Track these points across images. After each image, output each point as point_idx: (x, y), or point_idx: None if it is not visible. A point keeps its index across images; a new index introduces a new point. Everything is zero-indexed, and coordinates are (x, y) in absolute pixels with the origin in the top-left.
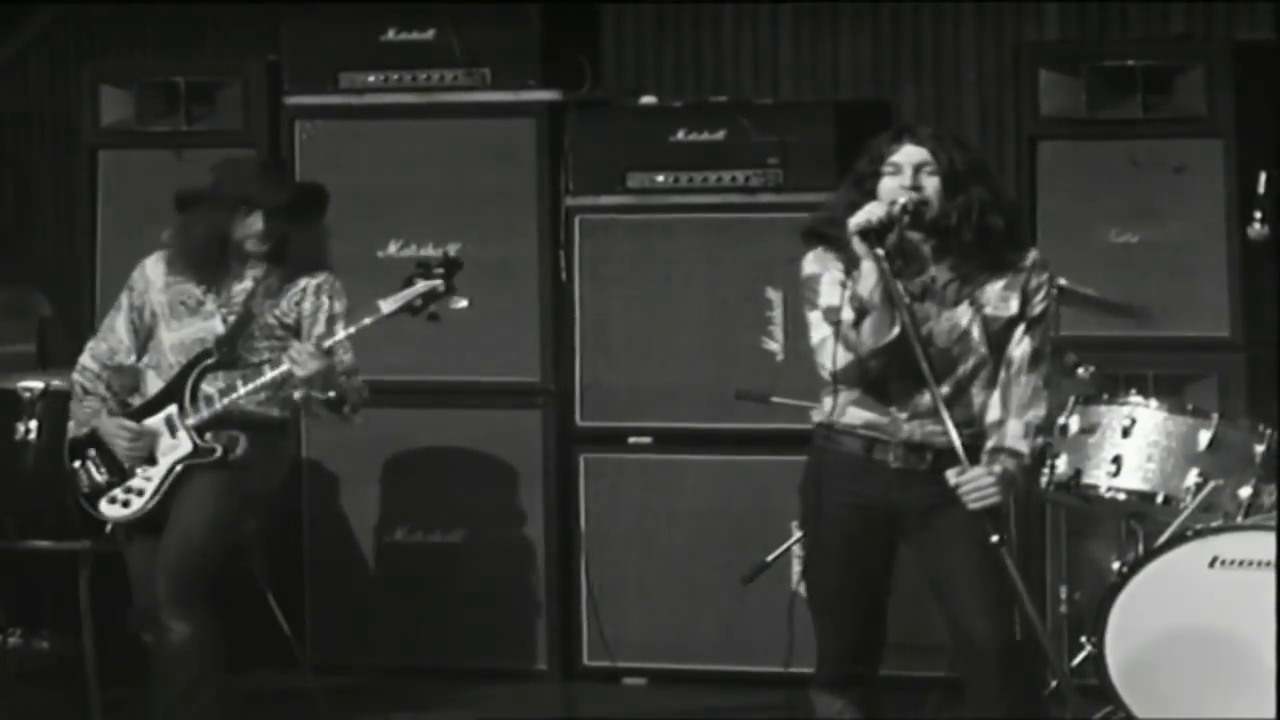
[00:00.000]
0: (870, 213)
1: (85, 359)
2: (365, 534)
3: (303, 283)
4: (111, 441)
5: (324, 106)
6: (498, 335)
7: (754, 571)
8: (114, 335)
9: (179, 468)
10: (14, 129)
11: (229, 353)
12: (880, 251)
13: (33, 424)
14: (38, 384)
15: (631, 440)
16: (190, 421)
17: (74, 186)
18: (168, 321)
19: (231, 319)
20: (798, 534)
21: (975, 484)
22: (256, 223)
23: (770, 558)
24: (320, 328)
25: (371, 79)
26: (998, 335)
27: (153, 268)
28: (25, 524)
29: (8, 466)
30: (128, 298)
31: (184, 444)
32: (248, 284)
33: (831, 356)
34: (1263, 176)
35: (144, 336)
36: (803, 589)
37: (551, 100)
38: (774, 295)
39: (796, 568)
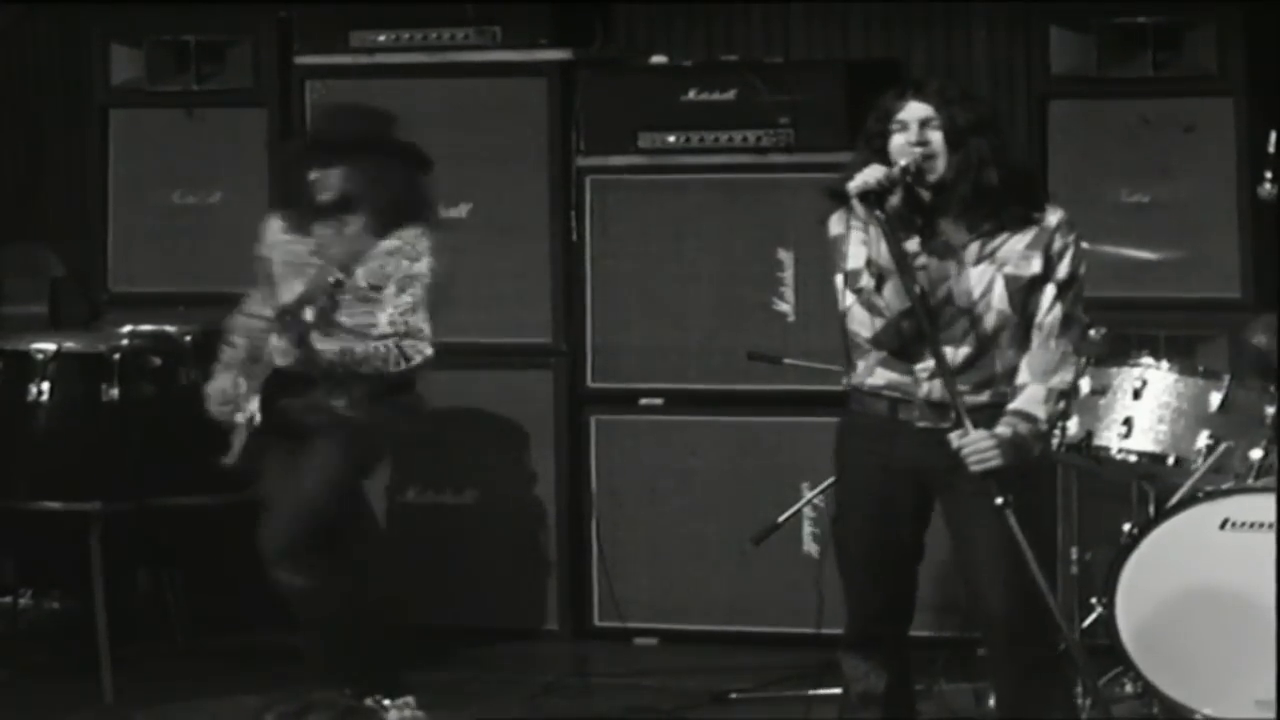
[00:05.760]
0: (868, 175)
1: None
2: (377, 494)
3: (388, 244)
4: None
5: (334, 66)
6: (508, 296)
7: (764, 532)
8: (257, 289)
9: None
10: (25, 88)
11: (294, 319)
12: (880, 214)
13: (45, 385)
14: (50, 345)
15: (642, 401)
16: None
17: (85, 146)
18: (284, 280)
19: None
20: (808, 495)
21: (975, 447)
22: (321, 171)
23: (781, 519)
24: (392, 291)
25: (382, 38)
26: (1020, 295)
27: (272, 223)
28: (36, 485)
29: (20, 427)
30: (261, 249)
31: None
32: (342, 242)
33: (864, 325)
34: (1273, 135)
35: (273, 293)
36: (815, 551)
37: (562, 59)
38: (785, 255)
39: (807, 529)
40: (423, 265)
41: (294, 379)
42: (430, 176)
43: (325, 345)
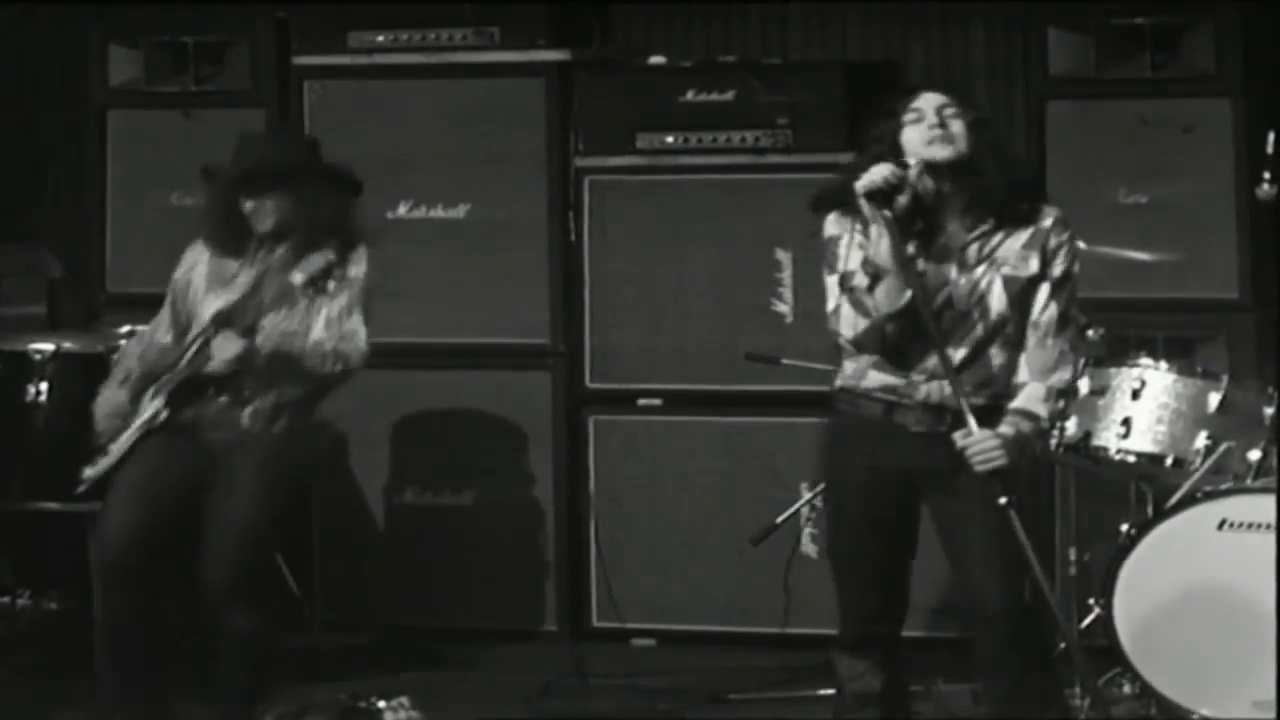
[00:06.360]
0: (877, 174)
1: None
2: (374, 495)
3: (326, 250)
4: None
5: (332, 67)
6: (507, 296)
7: (763, 533)
8: (162, 311)
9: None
10: (23, 88)
11: (235, 327)
12: (888, 214)
13: (43, 386)
14: (48, 346)
15: (640, 402)
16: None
17: (83, 146)
18: (206, 294)
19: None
20: (807, 496)
21: (980, 446)
22: (255, 202)
23: (779, 519)
24: (336, 298)
25: (380, 39)
26: (1019, 295)
27: (197, 246)
28: (34, 485)
29: (18, 428)
30: (176, 273)
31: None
32: (273, 255)
33: (848, 324)
34: (1271, 136)
35: (185, 315)
36: (814, 552)
37: (560, 60)
38: (783, 256)
39: (806, 529)
40: (359, 269)
41: (204, 385)
42: (360, 198)
43: (262, 341)
